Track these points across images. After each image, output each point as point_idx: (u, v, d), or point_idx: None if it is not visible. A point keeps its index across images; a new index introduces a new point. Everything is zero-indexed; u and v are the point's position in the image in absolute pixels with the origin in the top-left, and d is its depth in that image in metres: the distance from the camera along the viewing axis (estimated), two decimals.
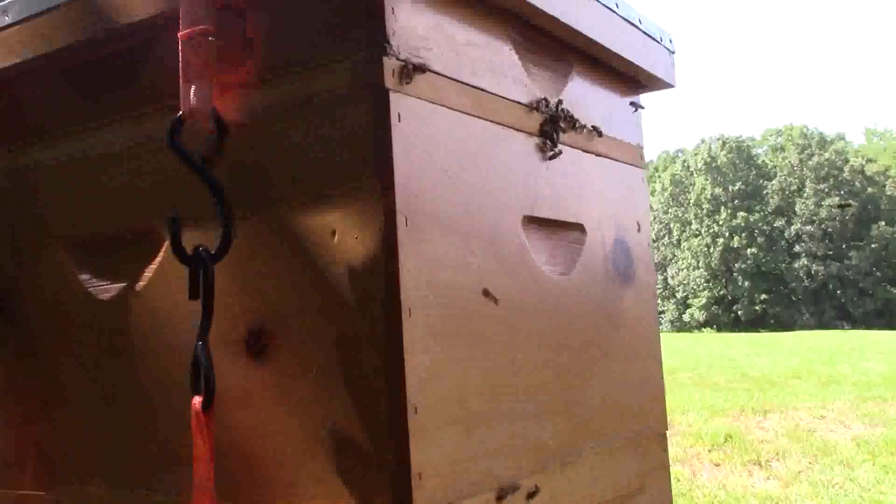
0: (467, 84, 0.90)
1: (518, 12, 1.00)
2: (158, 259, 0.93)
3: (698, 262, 50.61)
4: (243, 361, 0.85)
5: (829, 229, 48.17)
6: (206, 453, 0.81)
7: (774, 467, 5.53)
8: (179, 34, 0.86)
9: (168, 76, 0.89)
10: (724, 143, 52.12)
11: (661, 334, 1.24)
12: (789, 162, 50.91)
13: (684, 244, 51.95)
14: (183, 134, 0.87)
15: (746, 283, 48.30)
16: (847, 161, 50.23)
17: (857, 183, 49.30)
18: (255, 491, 0.83)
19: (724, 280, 49.45)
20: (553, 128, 1.03)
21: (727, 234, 49.33)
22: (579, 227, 1.07)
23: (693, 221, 51.62)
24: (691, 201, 51.75)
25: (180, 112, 0.87)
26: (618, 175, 1.18)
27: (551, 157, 1.03)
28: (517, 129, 0.98)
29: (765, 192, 50.92)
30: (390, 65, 0.79)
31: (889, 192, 49.58)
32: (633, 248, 1.19)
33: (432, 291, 0.80)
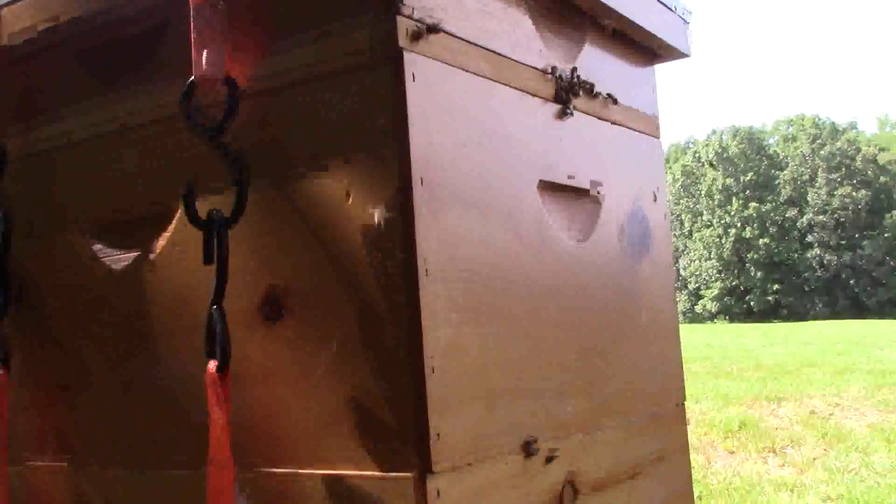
0: (482, 47, 0.89)
1: None
2: (173, 231, 0.93)
3: (710, 253, 50.49)
4: (259, 328, 0.84)
5: (842, 219, 47.96)
6: (221, 418, 0.81)
7: (789, 454, 5.51)
8: (191, 1, 0.86)
9: (181, 46, 0.89)
10: (735, 134, 51.93)
11: None
12: (801, 152, 50.68)
13: (696, 235, 51.82)
14: (196, 101, 0.87)
15: (759, 274, 48.16)
16: (859, 150, 49.97)
17: (869, 172, 49.05)
18: (271, 457, 0.83)
19: (736, 271, 49.32)
20: (568, 94, 1.02)
21: (739, 224, 49.18)
22: (595, 195, 1.06)
23: (704, 212, 51.48)
24: (703, 192, 51.59)
25: (192, 78, 0.86)
26: (634, 144, 1.17)
27: (565, 118, 1.02)
28: (533, 95, 0.97)
29: (776, 182, 50.73)
30: (404, 24, 0.79)
31: None
32: (649, 217, 1.18)
33: (448, 249, 0.80)
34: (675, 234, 51.11)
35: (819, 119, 52.01)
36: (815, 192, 49.05)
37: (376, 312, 0.77)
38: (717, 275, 49.87)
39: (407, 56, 0.78)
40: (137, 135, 0.97)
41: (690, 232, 52.49)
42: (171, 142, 0.93)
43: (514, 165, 0.92)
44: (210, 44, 0.86)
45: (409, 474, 0.74)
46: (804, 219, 49.05)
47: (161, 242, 0.93)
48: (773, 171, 51.45)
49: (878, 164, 49.57)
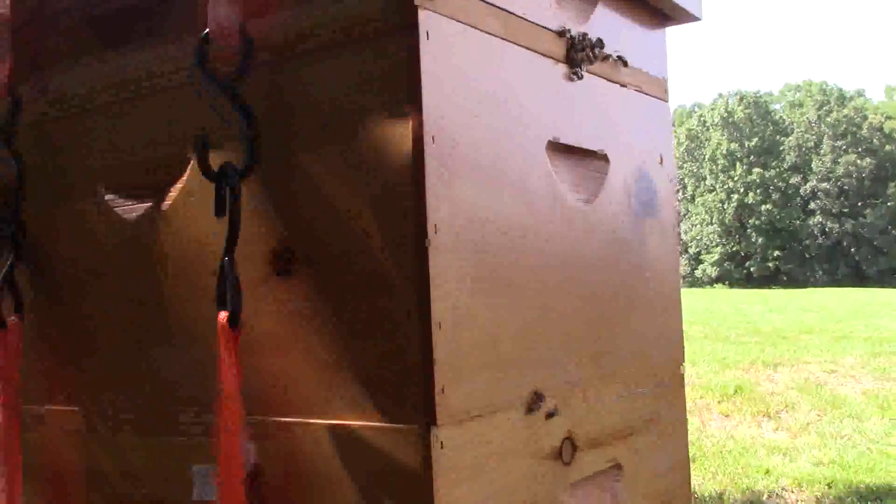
0: (495, 6, 0.89)
1: None
2: (186, 184, 0.93)
3: (712, 217, 50.41)
4: (270, 283, 0.86)
5: (846, 186, 47.81)
6: (232, 368, 0.82)
7: (783, 419, 5.56)
8: None
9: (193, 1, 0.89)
10: (741, 98, 51.57)
11: None
12: (807, 118, 50.37)
13: (698, 200, 51.70)
14: (210, 53, 0.87)
15: (760, 240, 48.13)
16: (866, 118, 49.65)
17: (874, 140, 48.77)
18: (281, 408, 0.84)
19: (737, 236, 49.28)
20: (580, 55, 1.02)
21: (742, 190, 49.03)
22: (603, 156, 1.07)
23: (708, 177, 51.29)
24: (706, 156, 51.37)
25: (207, 30, 0.86)
26: (642, 106, 1.17)
27: (575, 79, 1.02)
28: (544, 55, 0.97)
29: (781, 148, 50.47)
30: None
31: None
32: (655, 181, 1.18)
33: (458, 210, 0.81)
34: (677, 199, 50.90)
35: (826, 85, 51.59)
36: (820, 160, 48.83)
37: (386, 272, 0.78)
38: (718, 240, 49.84)
39: (421, 14, 0.78)
40: (150, 91, 0.97)
41: (693, 196, 52.36)
42: (185, 97, 0.94)
43: (524, 125, 0.93)
44: None
45: (413, 426, 0.76)
46: (807, 186, 48.89)
47: (174, 196, 0.94)
48: (778, 136, 51.17)
49: (885, 133, 49.27)
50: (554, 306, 0.94)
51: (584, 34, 1.04)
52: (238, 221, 0.83)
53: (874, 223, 46.65)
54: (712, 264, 49.49)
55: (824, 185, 48.15)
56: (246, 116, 0.84)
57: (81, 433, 1.00)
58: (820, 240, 47.92)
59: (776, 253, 47.91)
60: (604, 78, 1.09)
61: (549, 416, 0.91)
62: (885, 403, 5.85)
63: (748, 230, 48.73)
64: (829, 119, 49.27)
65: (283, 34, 0.86)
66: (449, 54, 0.82)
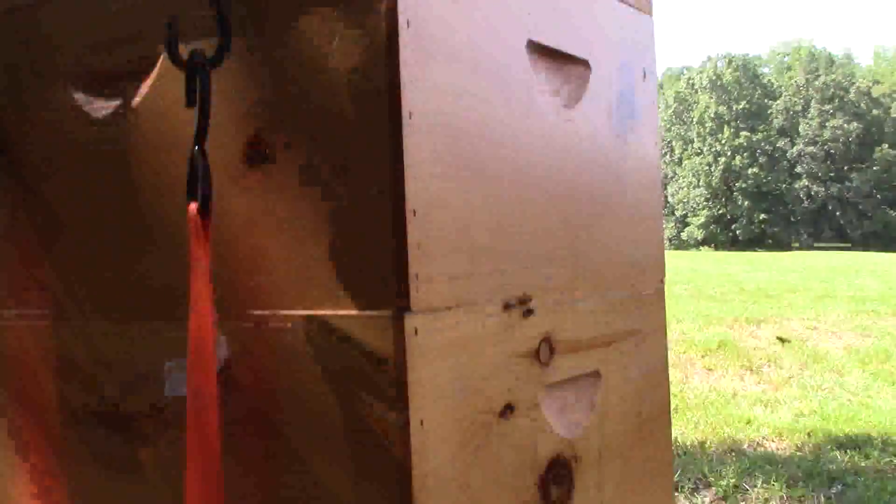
0: None
1: None
2: (157, 77, 0.91)
3: (699, 180, 50.54)
4: (242, 175, 0.84)
5: (832, 150, 47.95)
6: (203, 261, 0.81)
7: (766, 372, 5.61)
8: None
9: None
10: (730, 62, 51.45)
11: None
12: (795, 82, 50.36)
13: (686, 163, 51.79)
14: None
15: (746, 203, 48.32)
16: (854, 82, 49.68)
17: (862, 104, 48.86)
18: (253, 301, 0.83)
19: (723, 199, 49.46)
20: None
21: (729, 153, 49.12)
22: (584, 63, 1.05)
23: (695, 140, 51.34)
24: (694, 119, 51.37)
25: None
26: (626, 18, 1.15)
27: None
28: None
29: (769, 111, 50.50)
30: None
31: (894, 115, 49.17)
32: (636, 94, 1.17)
33: (433, 97, 0.79)
34: (664, 161, 50.99)
35: (815, 49, 51.53)
36: (807, 123, 48.90)
37: (360, 157, 0.77)
38: (705, 203, 50.02)
39: None
40: None
41: (680, 159, 52.44)
42: None
43: (503, 21, 0.90)
44: None
45: (387, 312, 0.75)
46: (794, 149, 49.02)
47: (144, 90, 0.92)
48: (766, 100, 51.17)
49: (872, 97, 49.36)
50: (530, 200, 0.92)
51: None
52: (208, 110, 0.81)
53: (859, 187, 46.90)
54: (699, 227, 49.73)
55: (811, 148, 48.29)
56: (216, 1, 0.82)
57: (53, 323, 0.98)
58: (805, 203, 48.17)
59: (762, 216, 48.16)
60: None
61: (527, 313, 0.90)
62: (866, 358, 5.92)
63: (735, 193, 48.91)
64: (817, 83, 49.28)
65: None
66: None
